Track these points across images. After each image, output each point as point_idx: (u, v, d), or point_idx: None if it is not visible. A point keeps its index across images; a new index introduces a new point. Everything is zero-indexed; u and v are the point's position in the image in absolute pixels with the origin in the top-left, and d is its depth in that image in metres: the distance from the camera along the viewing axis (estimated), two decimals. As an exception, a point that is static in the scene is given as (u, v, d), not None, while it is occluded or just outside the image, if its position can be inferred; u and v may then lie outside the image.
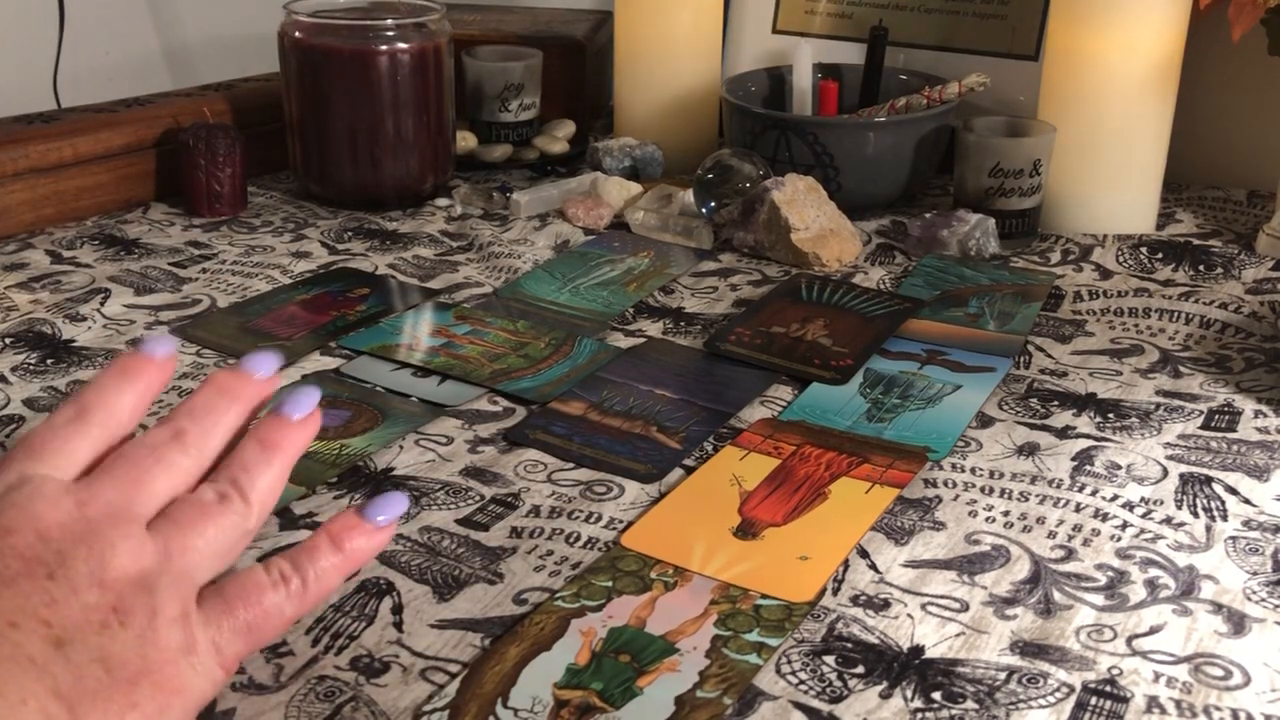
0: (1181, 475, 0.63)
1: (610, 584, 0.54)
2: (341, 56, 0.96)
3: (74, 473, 0.43)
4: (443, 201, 1.02)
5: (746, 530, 0.58)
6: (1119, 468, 0.64)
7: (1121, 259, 0.91)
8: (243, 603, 0.44)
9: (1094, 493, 0.62)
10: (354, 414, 0.68)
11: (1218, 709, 0.48)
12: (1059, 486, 0.62)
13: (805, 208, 0.90)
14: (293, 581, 0.45)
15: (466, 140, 1.09)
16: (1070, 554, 0.57)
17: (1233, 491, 0.62)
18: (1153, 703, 0.48)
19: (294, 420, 0.47)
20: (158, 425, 0.46)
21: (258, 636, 0.44)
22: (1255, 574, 0.56)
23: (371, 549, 0.47)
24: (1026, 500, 0.61)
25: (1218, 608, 0.53)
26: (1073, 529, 0.59)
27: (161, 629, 0.40)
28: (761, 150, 0.96)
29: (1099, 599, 0.54)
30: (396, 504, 0.48)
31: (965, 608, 0.53)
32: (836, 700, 0.48)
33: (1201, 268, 0.89)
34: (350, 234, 0.96)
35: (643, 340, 0.78)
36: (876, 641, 0.51)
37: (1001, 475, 0.63)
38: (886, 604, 0.53)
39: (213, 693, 0.42)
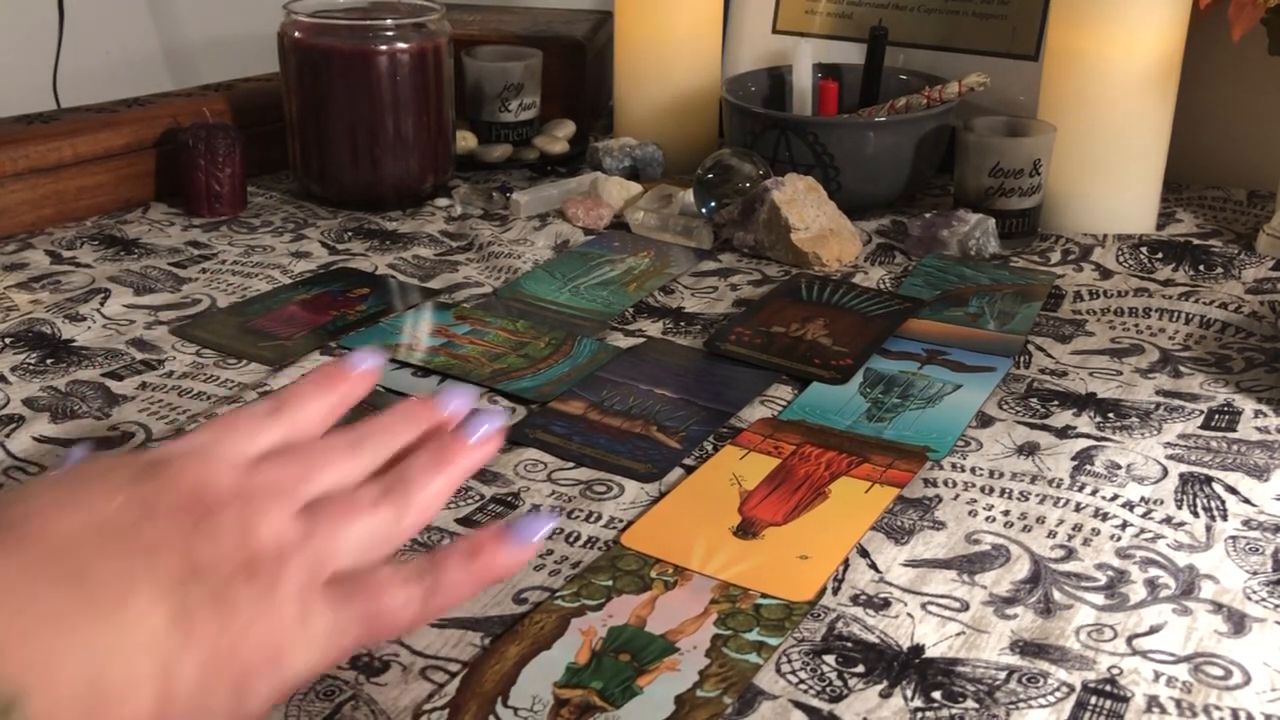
0: (1181, 475, 0.63)
1: (610, 583, 0.54)
2: (341, 56, 0.96)
3: (252, 455, 0.44)
4: (443, 201, 1.02)
5: (746, 530, 0.58)
6: (1119, 467, 0.64)
7: (1121, 259, 0.91)
8: (365, 594, 0.42)
9: (1094, 492, 0.62)
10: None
11: (1218, 708, 0.48)
12: (1059, 486, 0.62)
13: (805, 208, 0.90)
14: (419, 585, 0.43)
15: (466, 140, 1.09)
16: (1070, 553, 0.57)
17: (1233, 491, 0.62)
18: (1153, 702, 0.48)
19: (471, 441, 0.47)
20: (340, 430, 0.47)
21: (371, 631, 0.43)
22: (1255, 574, 0.56)
23: (510, 568, 0.46)
24: (1026, 500, 0.61)
25: (1218, 607, 0.53)
26: (1073, 529, 0.59)
27: (281, 599, 0.40)
28: (761, 150, 0.96)
29: (1099, 598, 0.54)
30: (545, 524, 0.47)
31: (965, 607, 0.53)
32: (836, 700, 0.48)
33: (1201, 268, 0.89)
34: (350, 234, 0.96)
35: (643, 340, 0.78)
36: (876, 641, 0.51)
37: (1001, 475, 0.63)
38: (886, 603, 0.53)
39: (311, 674, 0.42)
